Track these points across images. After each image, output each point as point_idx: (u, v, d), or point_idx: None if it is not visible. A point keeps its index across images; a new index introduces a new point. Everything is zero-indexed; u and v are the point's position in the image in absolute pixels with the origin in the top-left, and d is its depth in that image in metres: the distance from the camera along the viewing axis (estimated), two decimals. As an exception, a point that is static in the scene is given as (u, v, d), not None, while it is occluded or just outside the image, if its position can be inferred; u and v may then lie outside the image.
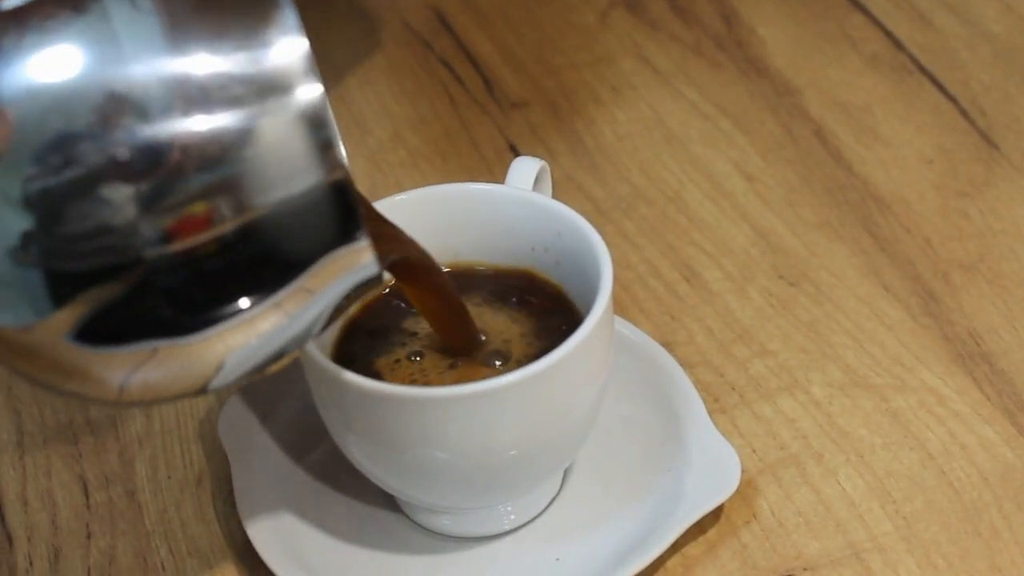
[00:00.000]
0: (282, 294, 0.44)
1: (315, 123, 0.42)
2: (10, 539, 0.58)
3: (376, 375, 0.51)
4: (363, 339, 0.53)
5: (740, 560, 0.54)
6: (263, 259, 0.43)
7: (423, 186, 0.57)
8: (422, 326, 0.53)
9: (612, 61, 0.79)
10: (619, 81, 0.77)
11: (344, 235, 0.44)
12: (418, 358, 0.52)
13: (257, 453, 0.57)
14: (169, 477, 0.60)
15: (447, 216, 0.55)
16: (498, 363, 0.52)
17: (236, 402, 0.59)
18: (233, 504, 0.57)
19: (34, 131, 0.41)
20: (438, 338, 0.52)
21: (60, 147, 0.41)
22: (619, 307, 0.64)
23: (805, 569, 0.54)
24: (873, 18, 0.79)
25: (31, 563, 0.57)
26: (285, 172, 0.42)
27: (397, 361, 0.52)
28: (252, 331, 0.44)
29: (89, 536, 0.58)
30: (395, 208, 0.53)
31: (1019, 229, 0.66)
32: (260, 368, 0.46)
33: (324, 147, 0.43)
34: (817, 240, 0.67)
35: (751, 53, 0.78)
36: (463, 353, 0.52)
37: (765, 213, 0.69)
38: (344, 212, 0.43)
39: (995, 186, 0.69)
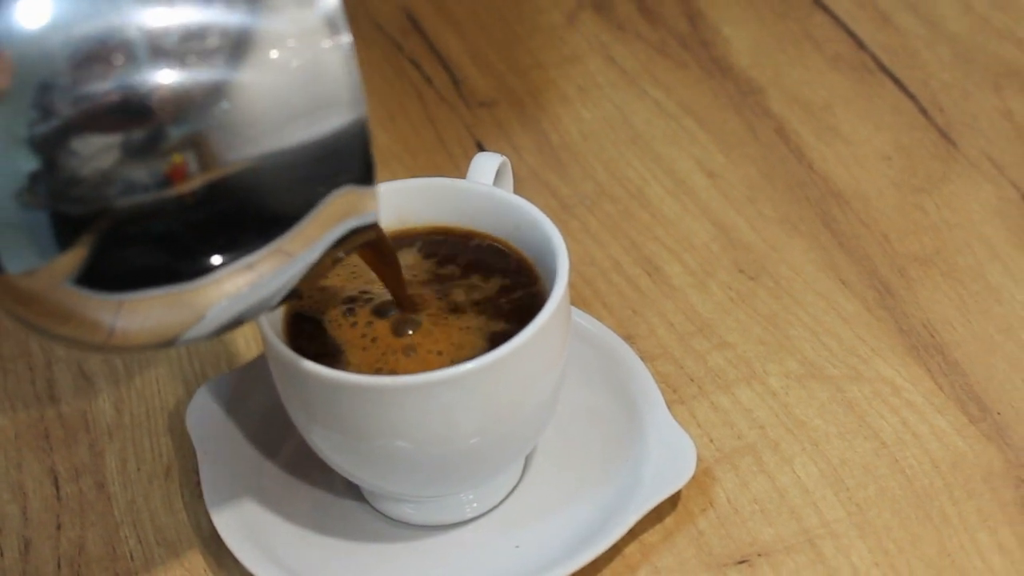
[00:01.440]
0: (285, 237, 0.44)
1: (342, 65, 0.44)
2: (-19, 531, 0.59)
3: (334, 347, 0.52)
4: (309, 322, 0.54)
5: (696, 547, 0.55)
6: (270, 196, 0.44)
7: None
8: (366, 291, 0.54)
9: (579, 61, 0.80)
10: (585, 81, 0.79)
11: (359, 176, 0.44)
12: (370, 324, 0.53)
13: (224, 445, 0.58)
14: (138, 469, 0.61)
15: (409, 210, 0.56)
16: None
17: (204, 394, 0.60)
18: (200, 495, 0.59)
19: (37, 71, 0.42)
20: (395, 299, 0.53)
21: (64, 87, 0.42)
22: (582, 301, 0.65)
23: (759, 555, 0.55)
24: (836, 18, 0.81)
25: (1, 553, 0.58)
26: (305, 108, 0.43)
27: (353, 325, 0.53)
28: (252, 273, 0.45)
29: (59, 527, 0.59)
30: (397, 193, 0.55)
31: (974, 224, 0.68)
32: (249, 314, 0.47)
33: (350, 85, 0.44)
34: (777, 235, 0.68)
35: (715, 53, 0.79)
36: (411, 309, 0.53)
37: (726, 209, 0.70)
38: (362, 154, 0.44)
39: (951, 182, 0.70)
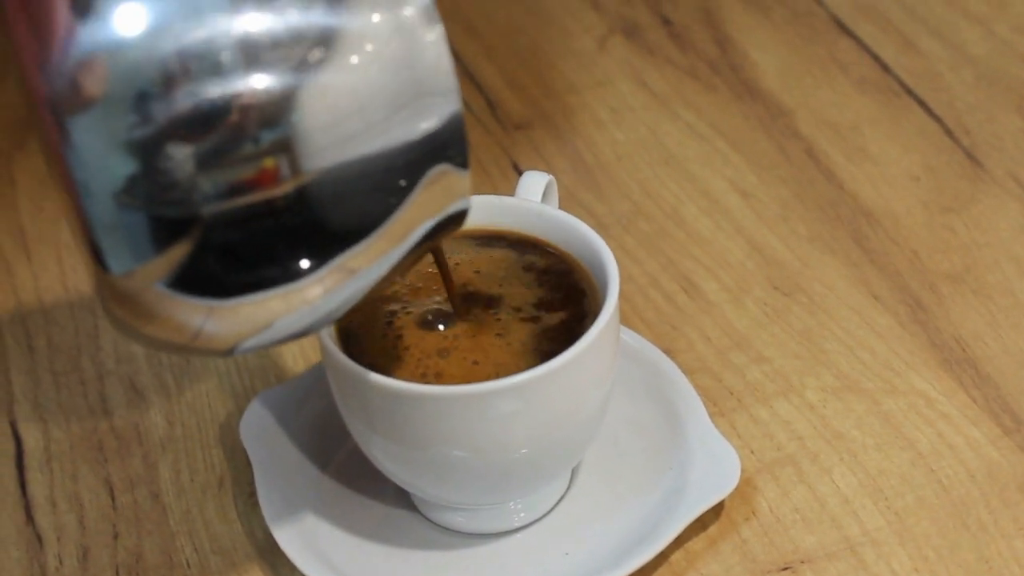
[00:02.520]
0: (385, 227, 0.46)
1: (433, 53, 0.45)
2: (40, 540, 0.61)
3: (381, 356, 0.54)
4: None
5: (740, 554, 0.57)
6: (373, 187, 0.45)
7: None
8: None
9: (611, 84, 0.82)
10: (618, 103, 0.80)
11: (457, 159, 0.46)
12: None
13: (278, 455, 0.60)
14: (192, 480, 0.62)
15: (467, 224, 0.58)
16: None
17: (257, 406, 0.62)
18: (254, 505, 0.60)
19: (134, 77, 0.43)
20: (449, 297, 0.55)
21: (160, 93, 0.43)
22: (622, 317, 0.67)
23: (802, 562, 0.56)
24: (861, 43, 0.83)
25: (61, 562, 0.60)
26: (406, 98, 0.45)
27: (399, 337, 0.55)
28: (350, 270, 0.46)
29: (116, 536, 0.60)
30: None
31: (1003, 242, 0.69)
32: (339, 311, 0.48)
33: (447, 72, 0.45)
34: (810, 253, 0.70)
35: (744, 76, 0.81)
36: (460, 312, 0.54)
37: (760, 228, 0.71)
38: (459, 137, 0.46)
39: (980, 202, 0.72)
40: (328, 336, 0.53)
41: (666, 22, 0.86)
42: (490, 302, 0.55)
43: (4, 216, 0.77)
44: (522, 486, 0.56)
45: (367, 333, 0.55)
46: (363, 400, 0.53)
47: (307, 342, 0.67)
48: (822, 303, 0.67)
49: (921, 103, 0.78)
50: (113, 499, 0.62)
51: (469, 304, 0.55)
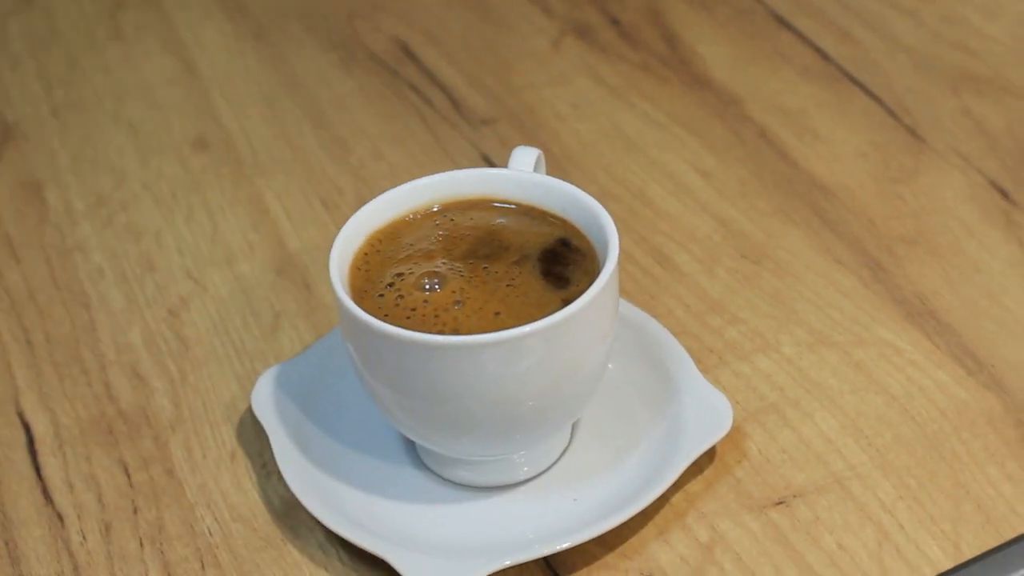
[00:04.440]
0: None
1: None
2: (61, 518, 0.62)
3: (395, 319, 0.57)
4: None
5: (736, 493, 0.60)
6: None
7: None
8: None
9: (568, 81, 0.86)
10: (577, 98, 0.84)
11: None
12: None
13: (289, 424, 0.63)
14: (204, 456, 0.64)
15: (466, 192, 0.62)
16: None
17: (264, 382, 0.64)
18: (267, 475, 0.63)
19: None
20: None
21: None
22: (601, 289, 0.70)
23: (795, 496, 0.60)
24: (801, 35, 0.88)
25: (84, 537, 0.62)
26: None
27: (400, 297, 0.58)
28: None
29: (136, 511, 0.62)
30: (438, 184, 0.61)
31: (949, 208, 0.74)
32: None
33: None
34: (772, 224, 0.74)
35: (694, 69, 0.86)
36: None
37: (723, 204, 0.76)
38: None
39: (925, 173, 0.77)
40: (348, 299, 0.56)
41: (615, 22, 0.91)
42: (498, 260, 0.58)
43: (-12, 224, 0.79)
44: (535, 433, 0.59)
45: (373, 296, 0.57)
46: (387, 359, 0.55)
47: (302, 326, 0.70)
48: (789, 268, 0.71)
49: (863, 87, 0.83)
50: (129, 477, 0.64)
51: (477, 261, 0.58)
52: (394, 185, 0.62)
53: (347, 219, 0.60)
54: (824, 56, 0.86)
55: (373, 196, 0.77)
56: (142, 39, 0.94)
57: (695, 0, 0.92)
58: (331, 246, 0.59)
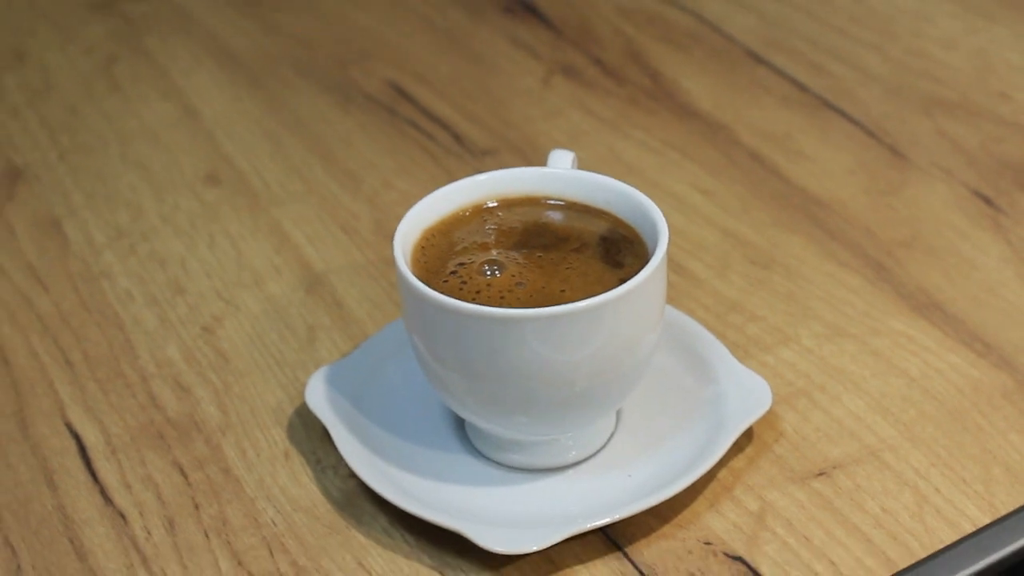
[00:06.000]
0: None
1: None
2: (124, 516, 0.64)
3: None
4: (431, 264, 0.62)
5: (778, 467, 0.64)
6: None
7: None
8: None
9: (561, 115, 0.90)
10: (572, 129, 0.89)
11: None
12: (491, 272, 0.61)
13: (344, 417, 0.65)
14: (258, 455, 0.66)
15: (525, 187, 0.65)
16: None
17: (317, 380, 0.66)
18: (323, 470, 0.65)
19: None
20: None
21: None
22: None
23: (834, 467, 0.64)
24: (776, 69, 0.93)
25: (149, 532, 0.63)
26: None
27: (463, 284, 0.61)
28: None
29: (197, 507, 0.64)
30: (486, 182, 0.65)
31: (939, 215, 0.79)
32: None
33: None
34: (776, 234, 0.78)
35: (680, 101, 0.90)
36: None
37: (726, 218, 0.80)
38: None
39: (912, 186, 0.81)
40: (418, 281, 0.59)
41: (598, 62, 0.95)
42: (555, 249, 0.62)
43: (11, 260, 0.80)
44: (588, 414, 0.62)
45: (438, 283, 0.60)
46: (457, 337, 0.58)
47: (338, 338, 0.73)
48: (798, 271, 0.75)
49: (841, 113, 0.88)
50: (185, 477, 0.66)
51: (531, 250, 0.62)
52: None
53: (400, 218, 0.63)
54: (801, 87, 0.91)
55: (389, 222, 0.81)
56: (139, 88, 0.96)
57: (671, 41, 0.97)
58: (392, 239, 0.62)
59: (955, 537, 0.60)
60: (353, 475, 0.64)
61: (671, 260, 0.77)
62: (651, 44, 0.97)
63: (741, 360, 0.69)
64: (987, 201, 0.79)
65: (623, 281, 0.59)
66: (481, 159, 0.86)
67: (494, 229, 0.63)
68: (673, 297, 0.74)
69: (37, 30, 1.04)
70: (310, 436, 0.67)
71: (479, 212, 0.64)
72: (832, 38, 0.96)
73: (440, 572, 0.60)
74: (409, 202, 0.82)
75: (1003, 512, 0.61)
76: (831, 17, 0.98)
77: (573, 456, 0.64)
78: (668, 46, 0.96)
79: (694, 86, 0.92)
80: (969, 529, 0.60)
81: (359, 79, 0.95)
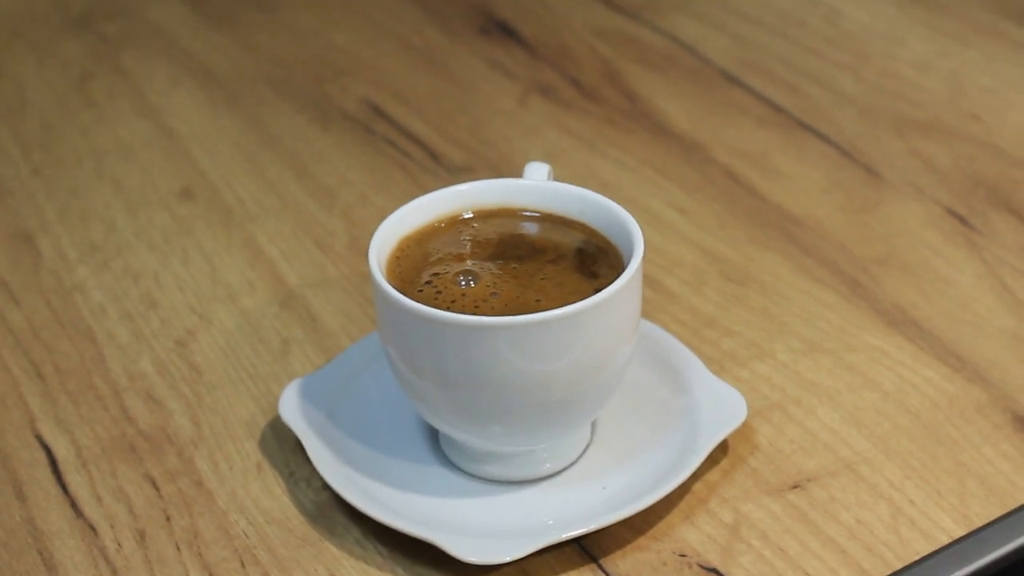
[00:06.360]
0: None
1: None
2: (94, 529, 0.63)
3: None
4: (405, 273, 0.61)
5: (753, 480, 0.64)
6: None
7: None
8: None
9: (538, 133, 0.90)
10: (549, 147, 0.89)
11: None
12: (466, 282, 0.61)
13: (317, 428, 0.64)
14: (231, 468, 0.66)
15: (500, 199, 0.65)
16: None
17: (291, 392, 0.66)
18: (296, 482, 0.64)
19: None
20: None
21: None
22: (598, 310, 0.74)
23: (809, 480, 0.63)
24: (752, 90, 0.93)
25: (119, 544, 0.62)
26: None
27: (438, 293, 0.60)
28: None
29: (168, 519, 0.63)
30: (462, 193, 0.65)
31: (913, 232, 0.79)
32: None
33: None
34: (751, 251, 0.78)
35: (657, 121, 0.91)
36: None
37: (702, 235, 0.80)
38: None
39: (886, 204, 0.82)
40: (393, 290, 0.58)
41: (575, 82, 0.95)
42: (530, 260, 0.61)
43: (-18, 271, 0.80)
44: (563, 425, 0.61)
45: (413, 292, 0.60)
46: (431, 345, 0.58)
47: (311, 351, 0.72)
48: (773, 287, 0.75)
49: (816, 133, 0.88)
50: (157, 489, 0.65)
51: (506, 261, 0.61)
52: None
53: (377, 226, 0.63)
54: (776, 108, 0.91)
55: (364, 237, 0.81)
56: (115, 105, 0.96)
57: (647, 63, 0.97)
58: (367, 249, 0.61)
59: (930, 549, 0.60)
60: (326, 487, 0.64)
61: (647, 276, 0.77)
62: (627, 65, 0.97)
63: (716, 374, 0.69)
64: (961, 220, 0.80)
65: (597, 291, 0.59)
66: (457, 175, 0.86)
67: (469, 240, 0.63)
68: (648, 312, 0.74)
69: (12, 47, 1.04)
70: (283, 448, 0.66)
71: (455, 223, 0.64)
72: (806, 60, 0.96)
73: (413, 584, 0.60)
74: (384, 218, 0.83)
75: (978, 524, 0.61)
76: (805, 39, 0.99)
77: (547, 468, 0.63)
78: (644, 67, 0.97)
79: (670, 106, 0.92)
80: (944, 541, 0.60)
81: (336, 97, 0.95)
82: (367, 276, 0.76)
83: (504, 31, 1.03)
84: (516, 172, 0.86)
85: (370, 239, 0.62)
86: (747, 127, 0.90)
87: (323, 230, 0.82)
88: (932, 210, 0.81)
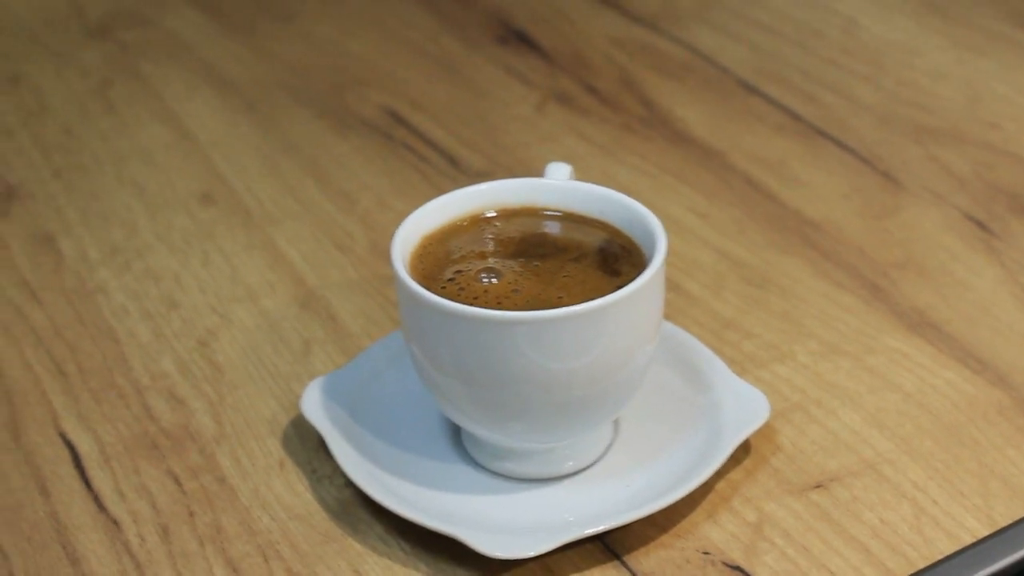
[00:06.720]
0: None
1: None
2: (117, 523, 0.63)
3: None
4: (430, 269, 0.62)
5: (776, 480, 0.64)
6: None
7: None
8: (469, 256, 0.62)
9: (556, 140, 0.91)
10: (567, 153, 0.89)
11: None
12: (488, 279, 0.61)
13: (340, 426, 0.64)
14: (253, 465, 0.66)
15: (523, 198, 0.66)
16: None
17: (313, 389, 0.66)
18: (319, 480, 0.64)
19: None
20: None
21: None
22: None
23: (831, 480, 0.63)
24: (769, 99, 0.93)
25: (143, 539, 0.62)
26: None
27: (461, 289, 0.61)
28: None
29: (192, 515, 0.64)
30: (484, 192, 0.65)
31: (932, 237, 0.79)
32: None
33: None
34: (770, 255, 0.78)
35: (675, 128, 0.91)
36: None
37: (722, 240, 0.80)
38: None
39: (905, 210, 0.82)
40: (417, 285, 0.59)
41: (592, 90, 0.96)
42: (552, 258, 0.62)
43: (6, 275, 0.80)
44: (584, 423, 0.61)
45: (436, 289, 0.60)
46: (454, 340, 0.58)
47: (333, 351, 0.73)
48: (792, 291, 0.76)
49: (835, 141, 0.89)
50: (180, 485, 0.65)
51: (528, 260, 0.62)
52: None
53: (397, 226, 0.63)
54: (794, 116, 0.91)
55: (384, 240, 0.81)
56: (134, 111, 0.96)
57: (664, 71, 0.98)
58: (388, 255, 0.62)
59: (954, 548, 0.60)
60: (349, 484, 0.64)
61: (668, 280, 0.77)
62: (644, 74, 0.97)
63: (738, 375, 0.69)
64: (980, 225, 0.80)
65: (619, 288, 0.59)
66: (476, 180, 0.86)
67: (492, 238, 0.63)
68: (669, 315, 0.74)
69: (32, 55, 1.05)
70: (305, 446, 0.67)
71: (477, 221, 0.64)
72: (824, 69, 0.97)
73: (436, 580, 0.60)
74: (398, 224, 0.83)
75: (1002, 524, 0.61)
76: (822, 49, 0.99)
77: (570, 466, 0.63)
78: (661, 76, 0.97)
79: (688, 114, 0.92)
80: (968, 540, 0.60)
81: (354, 105, 0.96)
82: (387, 278, 0.77)
83: (521, 39, 1.03)
84: (535, 176, 0.86)
85: (389, 243, 0.62)
86: (765, 135, 0.90)
87: (342, 233, 0.82)
88: (951, 215, 0.81)
